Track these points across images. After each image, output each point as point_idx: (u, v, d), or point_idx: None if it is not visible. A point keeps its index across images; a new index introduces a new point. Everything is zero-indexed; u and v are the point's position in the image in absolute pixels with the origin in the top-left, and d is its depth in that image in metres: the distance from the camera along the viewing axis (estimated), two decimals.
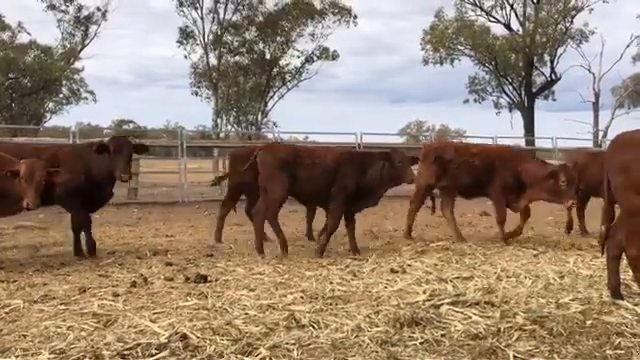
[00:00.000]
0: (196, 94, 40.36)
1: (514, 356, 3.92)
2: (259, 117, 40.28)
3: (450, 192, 9.12)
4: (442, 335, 4.26)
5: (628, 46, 38.25)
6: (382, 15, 68.85)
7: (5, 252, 7.87)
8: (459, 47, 37.60)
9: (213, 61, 38.98)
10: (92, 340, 4.11)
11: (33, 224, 10.50)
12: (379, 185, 7.55)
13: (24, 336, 4.26)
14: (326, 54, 40.24)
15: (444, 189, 9.16)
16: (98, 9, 37.52)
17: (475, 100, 39.76)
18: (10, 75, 36.95)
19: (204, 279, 5.98)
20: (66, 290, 5.61)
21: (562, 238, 9.20)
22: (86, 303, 5.11)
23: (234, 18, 38.77)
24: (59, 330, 4.35)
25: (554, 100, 39.05)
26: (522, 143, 28.02)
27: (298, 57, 40.26)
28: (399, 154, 7.52)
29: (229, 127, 40.12)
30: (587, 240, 8.82)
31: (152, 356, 3.86)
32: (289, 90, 41.33)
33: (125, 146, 7.27)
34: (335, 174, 7.41)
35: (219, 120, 39.02)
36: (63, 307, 5.01)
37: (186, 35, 38.83)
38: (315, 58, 40.38)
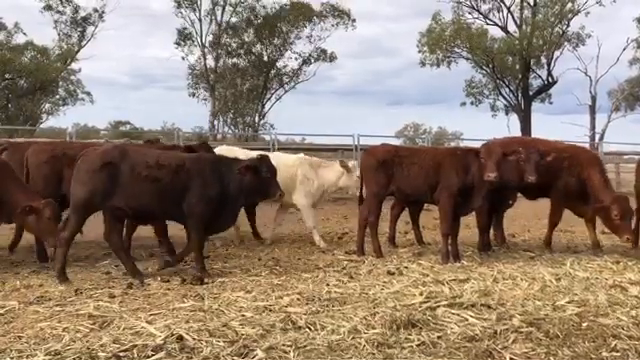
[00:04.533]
0: (193, 95, 40.30)
1: (510, 358, 3.93)
2: (256, 119, 40.27)
3: None
4: (438, 337, 4.26)
5: (624, 49, 38.36)
6: (380, 18, 68.87)
7: (0, 253, 7.84)
8: (456, 49, 37.67)
9: (211, 63, 38.98)
10: (88, 341, 4.10)
11: None
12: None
13: (19, 337, 4.25)
14: (324, 56, 40.26)
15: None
16: (95, 10, 37.44)
17: (472, 103, 39.79)
18: (6, 76, 36.79)
19: (200, 280, 5.97)
20: (62, 291, 5.60)
21: (559, 240, 9.20)
22: (82, 304, 5.09)
23: (232, 20, 38.81)
24: (54, 331, 4.35)
25: (551, 103, 39.12)
26: None
27: (296, 59, 40.31)
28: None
29: (226, 129, 40.12)
30: (583, 242, 8.83)
31: (148, 358, 3.86)
32: (286, 92, 41.35)
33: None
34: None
35: (216, 122, 39.01)
36: (59, 308, 5.00)
37: (184, 37, 38.76)
38: (313, 60, 40.42)
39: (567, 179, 8.07)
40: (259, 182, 6.47)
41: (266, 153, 7.25)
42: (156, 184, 6.16)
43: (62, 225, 6.38)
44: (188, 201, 6.22)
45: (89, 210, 6.28)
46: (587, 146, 30.62)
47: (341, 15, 38.89)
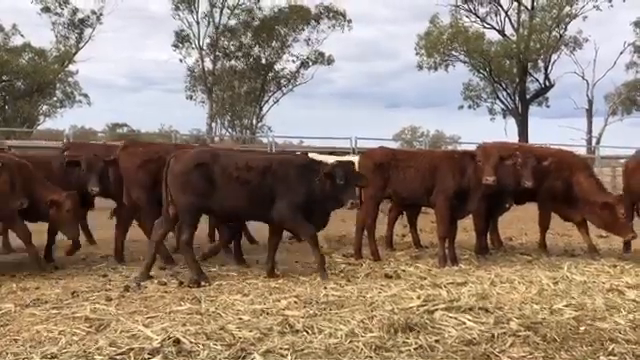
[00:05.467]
0: (191, 98, 40.32)
1: None
2: (254, 121, 40.27)
3: None
4: (436, 341, 4.25)
5: (621, 53, 38.50)
6: (377, 21, 68.96)
7: None
8: (453, 53, 37.75)
9: (208, 65, 38.98)
10: (84, 344, 4.09)
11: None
12: None
13: (15, 340, 4.23)
14: (321, 59, 40.32)
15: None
16: (93, 12, 37.44)
17: (470, 106, 39.87)
18: (4, 78, 36.74)
19: (197, 283, 5.96)
20: (58, 294, 5.59)
21: (556, 243, 9.21)
22: (78, 307, 5.08)
23: (230, 22, 38.84)
24: (51, 334, 4.33)
25: (548, 106, 39.22)
26: None
27: (293, 62, 40.35)
28: None
29: (223, 131, 40.09)
30: (580, 245, 8.84)
31: None
32: (284, 95, 41.39)
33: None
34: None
35: (213, 124, 38.99)
36: (55, 311, 4.99)
37: (182, 39, 38.78)
38: (310, 63, 40.46)
39: (554, 183, 8.13)
40: (333, 189, 6.28)
41: (349, 159, 7.16)
42: (245, 186, 6.22)
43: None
44: (277, 204, 6.25)
45: (195, 213, 6.35)
46: (584, 150, 30.77)
47: (336, 16, 38.96)
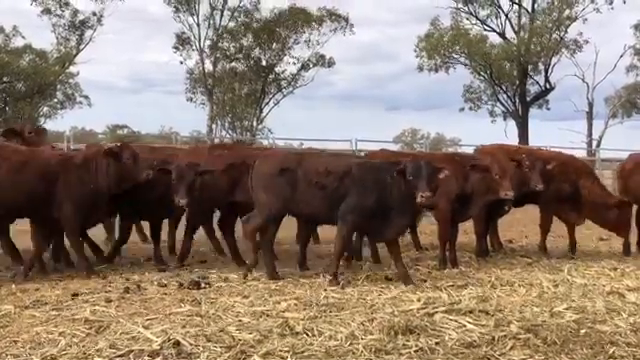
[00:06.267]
0: (191, 100, 40.33)
1: None
2: (254, 123, 40.27)
3: None
4: (436, 343, 4.25)
5: (622, 56, 38.54)
6: (378, 23, 69.09)
7: None
8: (454, 55, 37.78)
9: (209, 67, 39.00)
10: (84, 346, 4.08)
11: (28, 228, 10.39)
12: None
13: (15, 342, 4.23)
14: (322, 61, 40.31)
15: None
16: (93, 14, 37.47)
17: (470, 108, 39.94)
18: (4, 79, 36.77)
19: (198, 285, 5.96)
20: (58, 295, 5.58)
21: (556, 246, 9.21)
22: (78, 309, 5.07)
23: (230, 24, 38.86)
24: (50, 336, 4.32)
25: (548, 109, 39.21)
26: None
27: (294, 64, 40.35)
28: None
29: (224, 133, 40.06)
30: (580, 248, 8.84)
31: None
32: (284, 97, 41.39)
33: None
34: None
35: (214, 126, 38.99)
36: (55, 313, 4.98)
37: (182, 41, 38.78)
38: (311, 65, 40.47)
39: (560, 186, 8.19)
40: (406, 186, 6.10)
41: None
42: (324, 191, 6.23)
43: None
44: (343, 206, 6.20)
45: (276, 215, 6.42)
46: (584, 153, 30.78)
47: (339, 20, 38.99)
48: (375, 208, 6.17)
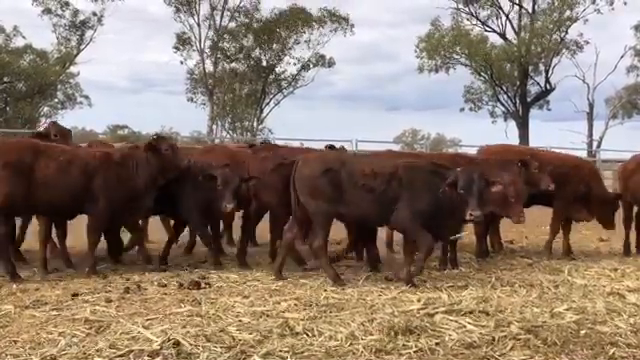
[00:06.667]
0: (191, 100, 40.40)
1: None
2: (254, 124, 40.30)
3: None
4: (436, 344, 4.25)
5: (622, 57, 38.62)
6: (378, 24, 69.20)
7: None
8: (454, 56, 37.80)
9: (209, 67, 39.05)
10: (84, 346, 4.08)
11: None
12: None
13: (15, 342, 4.23)
14: (322, 61, 40.36)
15: None
16: (94, 14, 37.53)
17: (471, 109, 40.00)
18: (5, 79, 36.84)
19: (198, 285, 5.96)
20: (58, 295, 5.58)
21: (557, 247, 9.19)
22: (78, 309, 5.07)
23: (231, 25, 38.89)
24: (50, 336, 4.32)
25: (549, 110, 39.27)
26: None
27: (294, 64, 40.40)
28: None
29: (224, 133, 40.09)
30: (580, 249, 8.84)
31: None
32: (285, 97, 41.43)
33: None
34: None
35: (214, 126, 39.02)
36: (55, 313, 4.98)
37: (182, 41, 38.83)
38: (311, 65, 40.51)
39: (576, 187, 8.34)
40: (458, 198, 5.89)
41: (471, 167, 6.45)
42: (371, 193, 6.10)
43: None
44: (397, 210, 6.06)
45: (327, 217, 6.33)
46: (585, 153, 30.77)
47: (339, 21, 39.02)
48: (429, 210, 6.01)
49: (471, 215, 5.77)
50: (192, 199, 7.10)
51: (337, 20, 39.02)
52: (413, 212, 6.03)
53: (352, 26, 39.23)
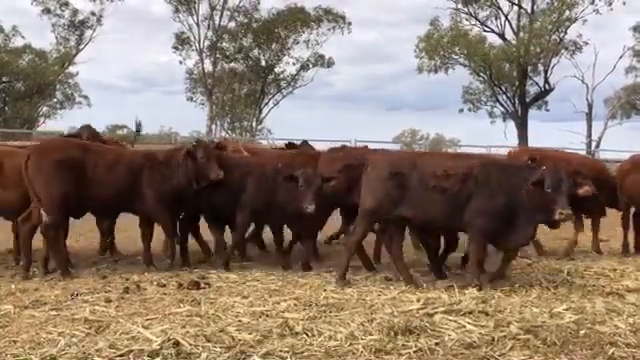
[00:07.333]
0: (191, 100, 40.43)
1: None
2: (254, 124, 40.32)
3: None
4: (436, 344, 4.25)
5: (621, 57, 38.66)
6: (378, 24, 69.18)
7: None
8: (454, 56, 37.83)
9: (208, 67, 39.07)
10: (83, 346, 4.08)
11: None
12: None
13: (14, 342, 4.23)
14: (321, 61, 40.40)
15: None
16: (93, 14, 37.55)
17: (470, 109, 40.03)
18: (4, 79, 36.85)
19: (197, 285, 5.95)
20: (57, 295, 5.57)
21: (556, 247, 9.20)
22: (78, 309, 5.06)
23: (230, 25, 38.92)
24: (50, 336, 4.32)
25: (547, 110, 39.30)
26: None
27: (293, 64, 40.42)
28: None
29: (223, 133, 40.09)
30: (579, 249, 8.84)
31: None
32: (284, 97, 41.45)
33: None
34: None
35: (213, 126, 39.05)
36: (54, 313, 4.97)
37: (182, 41, 38.86)
38: (310, 65, 40.54)
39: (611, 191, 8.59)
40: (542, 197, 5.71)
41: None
42: (443, 195, 5.94)
43: None
44: (470, 211, 5.90)
45: (376, 218, 6.35)
46: (583, 154, 30.78)
47: (336, 19, 39.04)
48: (503, 212, 5.86)
49: (561, 214, 5.63)
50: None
51: (334, 19, 39.04)
52: (486, 214, 5.87)
53: (349, 24, 39.31)
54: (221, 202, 7.12)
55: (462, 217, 5.96)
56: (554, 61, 37.49)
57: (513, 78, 37.86)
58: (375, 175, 6.20)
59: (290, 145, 10.19)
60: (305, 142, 10.51)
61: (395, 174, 6.09)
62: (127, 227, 8.39)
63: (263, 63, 39.86)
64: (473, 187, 5.94)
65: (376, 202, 6.15)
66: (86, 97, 41.36)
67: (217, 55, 38.76)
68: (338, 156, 7.51)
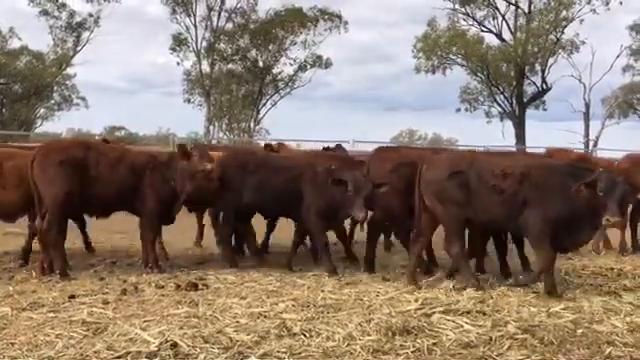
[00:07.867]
0: (188, 101, 40.35)
1: None
2: (251, 125, 40.26)
3: None
4: (434, 344, 4.26)
5: (618, 57, 38.63)
6: (376, 24, 69.25)
7: None
8: (451, 56, 37.83)
9: (206, 68, 38.99)
10: (81, 348, 4.08)
11: (21, 230, 10.37)
12: None
13: (12, 344, 4.22)
14: (319, 62, 40.33)
15: None
16: (90, 15, 37.46)
17: (467, 109, 40.01)
18: (1, 81, 36.78)
19: (195, 287, 5.95)
20: (55, 297, 5.56)
21: None
22: (75, 311, 5.06)
23: (227, 26, 38.86)
24: (48, 338, 4.32)
25: (545, 110, 39.26)
26: None
27: (291, 65, 40.38)
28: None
29: (221, 134, 40.06)
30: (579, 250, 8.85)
31: None
32: (282, 98, 41.40)
33: None
34: None
35: (211, 127, 38.97)
36: (52, 315, 4.96)
37: (179, 42, 38.77)
38: (308, 66, 40.48)
39: None
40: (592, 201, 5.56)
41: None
42: (501, 195, 5.85)
43: None
44: (526, 214, 5.79)
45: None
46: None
47: (332, 19, 39.00)
48: (561, 215, 5.73)
49: (608, 220, 5.47)
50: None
51: (330, 18, 39.00)
52: (544, 217, 5.74)
53: (346, 23, 39.25)
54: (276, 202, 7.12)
55: (523, 219, 5.82)
56: (551, 61, 37.48)
57: (510, 78, 37.85)
58: (435, 177, 6.05)
59: (325, 150, 10.02)
60: (339, 146, 10.41)
61: (454, 174, 5.99)
62: (126, 228, 8.38)
63: (261, 64, 39.79)
64: (529, 188, 5.79)
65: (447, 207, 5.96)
66: (84, 99, 41.25)
67: (215, 56, 38.68)
68: (390, 156, 7.21)
